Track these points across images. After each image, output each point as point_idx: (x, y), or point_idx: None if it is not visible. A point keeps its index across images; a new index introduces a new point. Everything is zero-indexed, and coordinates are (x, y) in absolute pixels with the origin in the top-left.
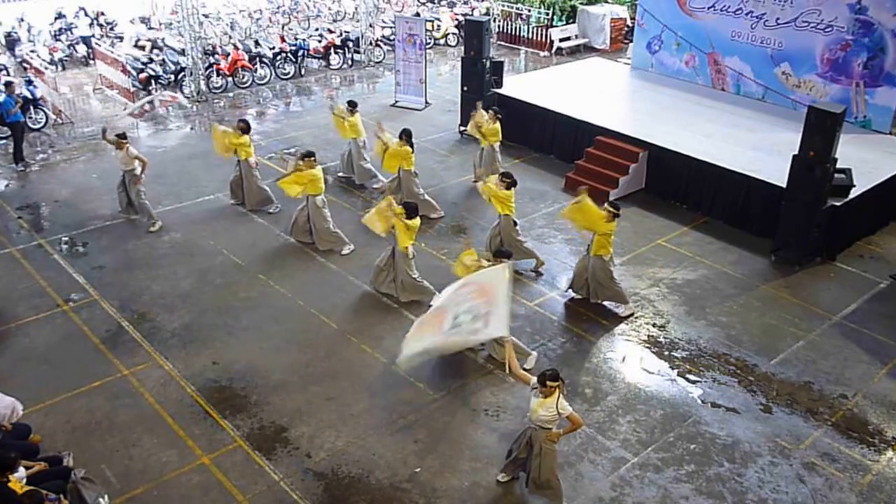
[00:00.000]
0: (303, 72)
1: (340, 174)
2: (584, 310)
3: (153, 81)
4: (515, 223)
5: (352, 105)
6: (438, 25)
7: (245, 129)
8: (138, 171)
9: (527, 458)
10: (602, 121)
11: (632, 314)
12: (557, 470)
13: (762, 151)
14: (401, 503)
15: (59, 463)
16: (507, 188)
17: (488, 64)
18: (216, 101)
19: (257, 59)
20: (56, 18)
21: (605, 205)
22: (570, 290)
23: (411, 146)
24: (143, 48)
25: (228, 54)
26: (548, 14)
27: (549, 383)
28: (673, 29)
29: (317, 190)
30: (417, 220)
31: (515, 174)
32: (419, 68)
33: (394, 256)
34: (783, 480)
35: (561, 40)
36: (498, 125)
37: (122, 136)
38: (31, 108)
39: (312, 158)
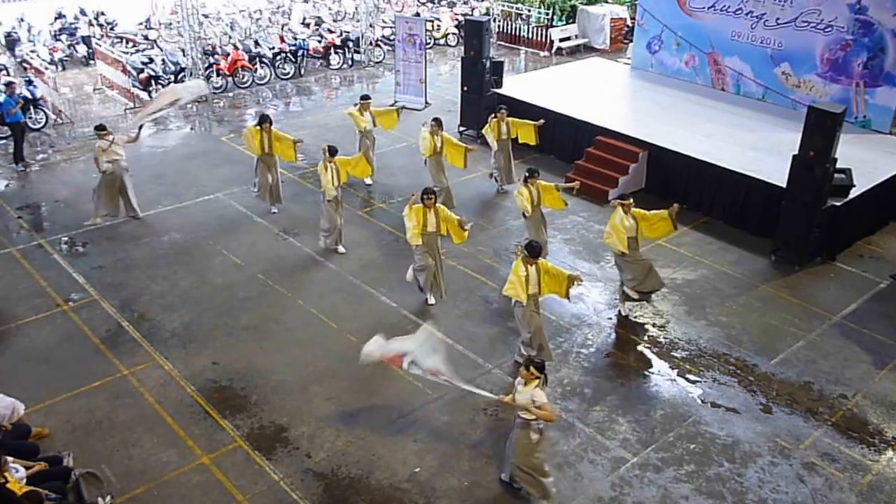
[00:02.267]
0: (303, 72)
1: None
2: (583, 310)
3: (153, 81)
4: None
5: (365, 98)
6: (438, 25)
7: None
8: (122, 161)
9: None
10: (602, 121)
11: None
12: (537, 462)
13: (762, 151)
14: (401, 503)
15: (59, 463)
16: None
17: (488, 64)
18: (216, 101)
19: (257, 59)
20: (56, 18)
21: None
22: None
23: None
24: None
25: (228, 54)
26: (548, 14)
27: (531, 369)
28: (673, 29)
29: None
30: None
31: (515, 174)
32: (419, 68)
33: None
34: (783, 480)
35: (561, 40)
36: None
37: (101, 127)
38: (31, 108)
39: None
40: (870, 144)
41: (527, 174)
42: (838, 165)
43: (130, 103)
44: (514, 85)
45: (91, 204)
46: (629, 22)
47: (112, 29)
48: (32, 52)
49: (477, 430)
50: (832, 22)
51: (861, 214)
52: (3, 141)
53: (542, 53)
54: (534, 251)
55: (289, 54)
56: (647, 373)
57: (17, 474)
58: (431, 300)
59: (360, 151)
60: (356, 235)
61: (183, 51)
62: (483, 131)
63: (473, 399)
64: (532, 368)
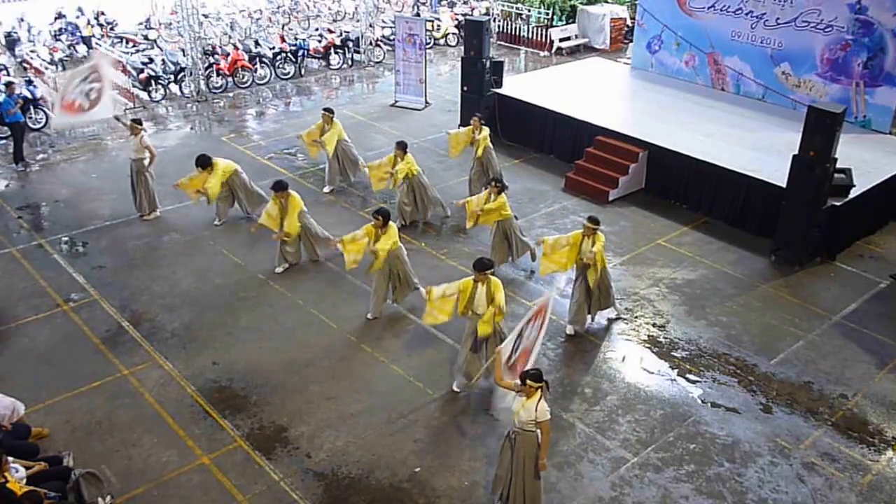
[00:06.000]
0: (303, 72)
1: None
2: None
3: (153, 81)
4: (516, 217)
5: (329, 111)
6: (438, 25)
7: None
8: (147, 160)
9: (510, 469)
10: (602, 121)
11: (619, 316)
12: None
13: (762, 151)
14: (401, 503)
15: (59, 463)
16: (500, 192)
17: (488, 64)
18: (216, 101)
19: (257, 59)
20: (56, 18)
21: (587, 222)
22: (573, 327)
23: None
24: None
25: (228, 54)
26: (548, 14)
27: (529, 383)
28: (673, 29)
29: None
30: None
31: (515, 174)
32: (419, 68)
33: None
34: (783, 480)
35: (561, 40)
36: (486, 130)
37: (138, 122)
38: (31, 108)
39: (286, 190)
40: (870, 144)
41: (492, 182)
42: (838, 165)
43: (130, 103)
44: (514, 85)
45: (94, 203)
46: (629, 22)
47: (112, 29)
48: (32, 52)
49: (477, 430)
50: (832, 22)
51: (861, 214)
52: (3, 141)
53: (542, 53)
54: (481, 266)
55: (289, 54)
56: (647, 373)
57: (17, 474)
58: (370, 315)
59: (332, 168)
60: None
61: (183, 51)
62: (451, 133)
63: (475, 398)
64: (529, 381)
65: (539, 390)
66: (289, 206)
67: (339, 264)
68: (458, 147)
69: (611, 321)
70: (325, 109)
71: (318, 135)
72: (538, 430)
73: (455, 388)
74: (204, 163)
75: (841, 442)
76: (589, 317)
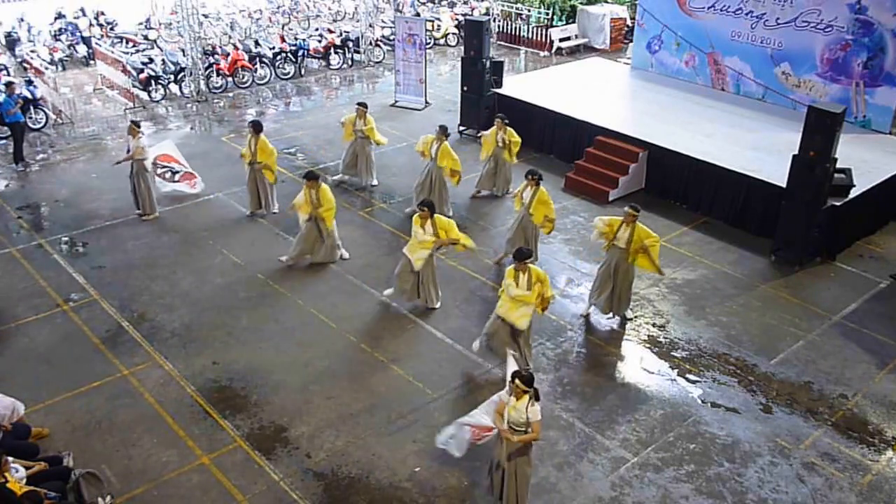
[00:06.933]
0: (303, 72)
1: (339, 177)
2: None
3: (153, 81)
4: None
5: (363, 105)
6: (438, 25)
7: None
8: (146, 161)
9: (502, 472)
10: (602, 121)
11: (632, 318)
12: (528, 495)
13: (762, 151)
14: (401, 503)
15: (59, 463)
16: (537, 184)
17: (488, 64)
18: (216, 101)
19: (257, 59)
20: (56, 18)
21: (627, 209)
22: (592, 307)
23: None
24: None
25: (228, 54)
26: (548, 14)
27: (517, 383)
28: (673, 29)
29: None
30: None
31: (515, 174)
32: (419, 68)
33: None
34: (783, 480)
35: (561, 40)
36: (515, 135)
37: (136, 123)
38: (31, 108)
39: (317, 179)
40: (870, 144)
41: (528, 175)
42: (838, 165)
43: (130, 103)
44: (514, 85)
45: (94, 203)
46: (629, 22)
47: (112, 29)
48: (32, 52)
49: None
50: (832, 22)
51: (861, 214)
52: (3, 141)
53: (542, 53)
54: (520, 255)
55: (289, 54)
56: (647, 373)
57: (17, 474)
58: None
59: (347, 157)
60: (356, 235)
61: (183, 51)
62: (482, 136)
63: (475, 398)
64: (517, 381)
65: (526, 395)
66: (322, 199)
67: (339, 264)
68: (489, 149)
69: (614, 322)
70: (358, 104)
71: (351, 126)
72: (529, 430)
73: (474, 349)
74: (258, 128)
75: (841, 442)
76: (600, 307)
